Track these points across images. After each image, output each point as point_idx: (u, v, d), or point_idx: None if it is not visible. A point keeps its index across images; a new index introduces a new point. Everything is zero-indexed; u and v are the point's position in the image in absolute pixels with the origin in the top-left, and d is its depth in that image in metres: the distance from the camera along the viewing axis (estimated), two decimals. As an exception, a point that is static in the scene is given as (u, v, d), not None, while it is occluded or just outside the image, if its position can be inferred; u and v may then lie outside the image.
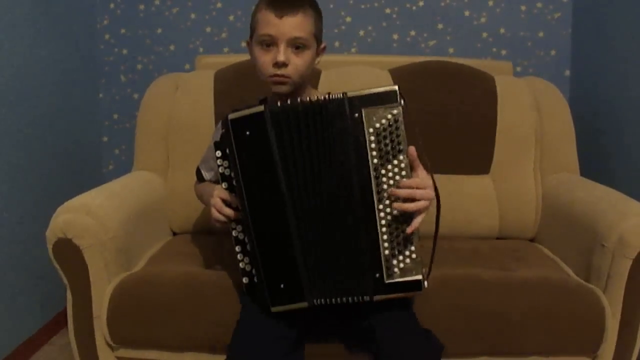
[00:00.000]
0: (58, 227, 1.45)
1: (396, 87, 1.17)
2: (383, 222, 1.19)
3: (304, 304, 1.23)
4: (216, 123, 1.93)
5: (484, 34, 2.42)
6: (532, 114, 1.98)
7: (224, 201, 1.29)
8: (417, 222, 1.19)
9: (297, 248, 1.22)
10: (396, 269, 1.20)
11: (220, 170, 1.27)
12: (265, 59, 1.35)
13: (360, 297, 1.22)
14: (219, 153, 1.26)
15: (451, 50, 2.44)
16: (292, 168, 1.20)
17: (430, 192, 1.21)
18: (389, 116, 1.17)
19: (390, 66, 2.09)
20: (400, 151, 1.18)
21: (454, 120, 1.94)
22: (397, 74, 2.04)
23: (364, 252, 1.20)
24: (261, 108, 1.19)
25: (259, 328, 1.28)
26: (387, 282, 1.21)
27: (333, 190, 1.20)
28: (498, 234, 1.95)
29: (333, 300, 1.23)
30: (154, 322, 1.46)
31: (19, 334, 2.00)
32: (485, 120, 1.95)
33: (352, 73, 2.03)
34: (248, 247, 1.26)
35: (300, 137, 1.19)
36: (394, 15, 2.43)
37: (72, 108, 2.31)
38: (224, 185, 1.28)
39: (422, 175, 1.21)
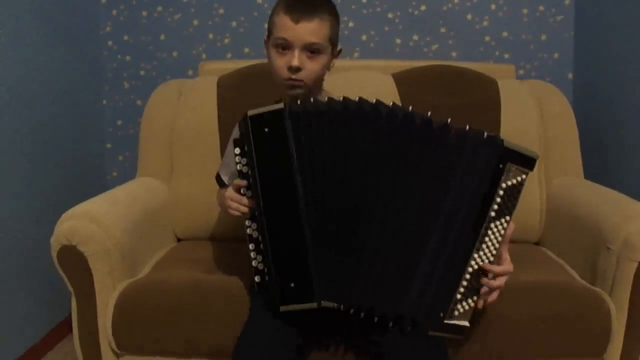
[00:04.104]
0: (62, 234, 1.45)
1: (538, 156, 1.20)
2: (470, 269, 1.21)
3: (313, 305, 1.22)
4: (220, 129, 1.94)
5: (487, 38, 2.42)
6: (536, 117, 1.97)
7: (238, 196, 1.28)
8: (492, 298, 1.24)
9: (310, 248, 1.20)
10: (457, 312, 1.22)
11: (239, 167, 1.25)
12: (280, 63, 1.36)
13: (403, 323, 1.22)
14: (237, 150, 1.24)
15: (454, 54, 2.44)
16: (312, 169, 1.18)
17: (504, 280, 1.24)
18: (519, 178, 1.19)
19: (392, 71, 2.09)
20: (509, 213, 1.20)
21: (457, 124, 1.94)
22: (400, 79, 2.04)
23: (434, 285, 1.20)
24: (281, 105, 1.18)
25: (265, 333, 1.27)
26: (445, 321, 1.22)
27: (403, 215, 1.18)
28: (502, 237, 1.94)
29: (343, 307, 1.22)
30: (158, 329, 1.46)
31: (25, 340, 2.01)
32: (489, 124, 1.95)
33: (355, 78, 2.03)
34: (262, 245, 1.24)
35: (331, 137, 1.17)
36: (397, 20, 2.43)
37: (75, 115, 2.31)
38: (243, 183, 1.26)
39: (508, 260, 1.24)
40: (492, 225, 1.19)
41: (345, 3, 2.42)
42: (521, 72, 2.42)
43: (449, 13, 2.42)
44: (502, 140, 1.18)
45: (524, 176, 1.19)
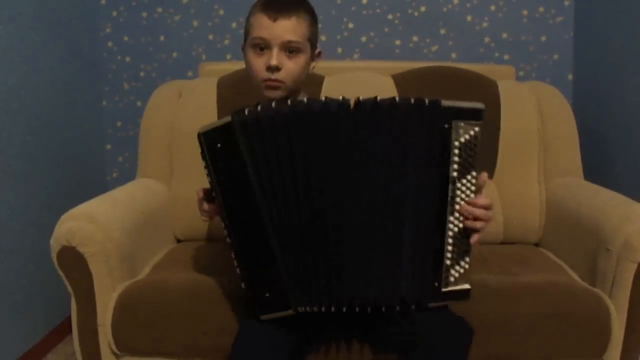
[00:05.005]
0: (62, 235, 1.45)
1: (483, 106, 1.18)
2: (450, 233, 1.20)
3: (290, 312, 1.22)
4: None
5: (486, 39, 2.43)
6: (535, 118, 1.98)
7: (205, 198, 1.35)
8: (478, 236, 1.21)
9: (279, 256, 1.20)
10: (452, 278, 1.22)
11: (208, 179, 1.25)
12: (258, 63, 1.35)
13: (407, 303, 1.21)
14: (204, 163, 1.24)
15: (453, 55, 2.44)
16: (269, 177, 1.18)
17: (492, 214, 1.22)
18: (472, 132, 1.17)
19: (392, 72, 2.09)
20: (473, 168, 1.19)
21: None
22: (400, 80, 2.04)
23: (421, 260, 1.20)
24: (229, 118, 1.18)
25: (260, 335, 1.26)
26: (443, 290, 1.22)
27: (363, 200, 1.18)
28: (502, 239, 1.94)
29: (324, 308, 1.22)
30: (158, 330, 1.46)
31: (24, 342, 2.00)
32: (489, 125, 1.95)
33: (355, 79, 2.03)
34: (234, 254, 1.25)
35: (284, 142, 1.17)
36: (396, 21, 2.43)
37: (75, 116, 2.31)
38: (214, 194, 1.26)
39: (484, 196, 1.23)
40: (459, 184, 1.19)
41: (345, 4, 2.42)
42: (521, 73, 2.43)
43: (448, 14, 2.42)
44: (439, 101, 1.16)
45: (476, 129, 1.18)
